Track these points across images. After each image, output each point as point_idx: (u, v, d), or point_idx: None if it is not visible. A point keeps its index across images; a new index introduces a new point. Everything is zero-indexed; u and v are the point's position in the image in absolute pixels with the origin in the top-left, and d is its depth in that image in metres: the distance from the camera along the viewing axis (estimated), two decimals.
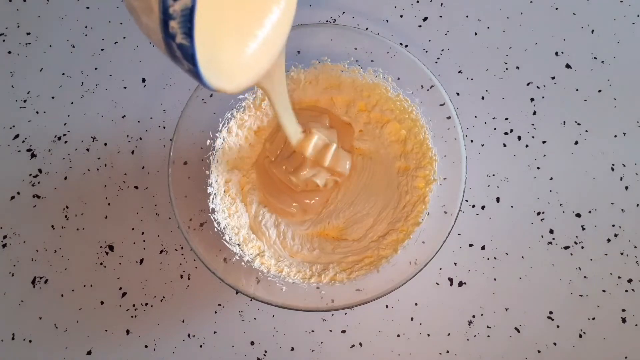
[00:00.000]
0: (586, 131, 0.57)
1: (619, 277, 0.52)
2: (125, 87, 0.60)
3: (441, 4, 0.62)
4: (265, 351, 0.51)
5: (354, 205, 0.54)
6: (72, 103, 0.60)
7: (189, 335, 0.52)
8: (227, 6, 0.26)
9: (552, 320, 0.51)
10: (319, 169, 0.53)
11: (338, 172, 0.54)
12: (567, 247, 0.53)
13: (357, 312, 0.52)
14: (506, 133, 0.57)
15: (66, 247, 0.55)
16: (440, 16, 0.62)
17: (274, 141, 0.55)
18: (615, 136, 0.57)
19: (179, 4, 0.21)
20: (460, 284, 0.53)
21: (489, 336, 0.51)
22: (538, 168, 0.56)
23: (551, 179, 0.55)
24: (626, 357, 0.50)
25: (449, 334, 0.51)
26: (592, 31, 0.60)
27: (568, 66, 0.59)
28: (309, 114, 0.56)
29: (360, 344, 0.51)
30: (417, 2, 0.63)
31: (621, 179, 0.55)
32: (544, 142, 0.57)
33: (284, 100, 0.43)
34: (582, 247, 0.53)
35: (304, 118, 0.55)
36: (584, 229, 0.54)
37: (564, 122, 0.57)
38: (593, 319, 0.51)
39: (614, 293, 0.52)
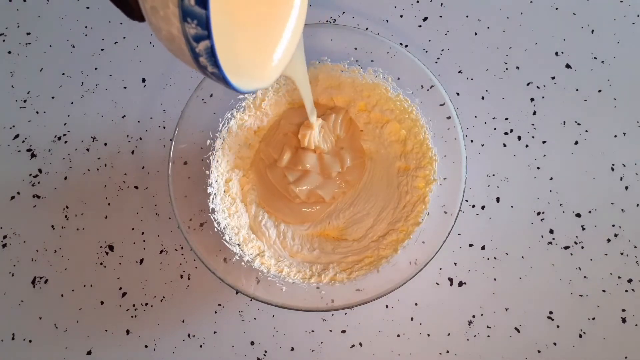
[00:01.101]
0: (586, 131, 0.57)
1: (619, 277, 0.52)
2: (125, 87, 0.60)
3: (441, 4, 0.62)
4: (265, 351, 0.51)
5: (354, 205, 0.54)
6: (72, 103, 0.60)
7: (189, 335, 0.52)
8: (242, 33, 0.29)
9: (552, 320, 0.51)
10: (326, 180, 0.52)
11: (348, 181, 0.53)
12: (567, 247, 0.53)
13: (357, 312, 0.52)
14: (506, 133, 0.57)
15: (66, 247, 0.55)
16: (440, 16, 0.62)
17: (270, 143, 0.55)
18: (615, 136, 0.57)
19: (202, 44, 0.25)
20: (460, 284, 0.53)
21: (489, 336, 0.51)
22: (538, 168, 0.56)
23: (551, 179, 0.55)
24: (626, 357, 0.50)
25: (449, 334, 0.51)
26: (592, 31, 0.60)
27: (568, 66, 0.59)
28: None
29: (360, 344, 0.51)
30: (417, 2, 0.63)
31: (621, 179, 0.55)
32: (544, 142, 0.57)
33: (305, 80, 0.45)
34: (582, 247, 0.53)
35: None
36: (584, 229, 0.54)
37: (564, 122, 0.57)
38: (593, 319, 0.51)
39: (614, 293, 0.52)
